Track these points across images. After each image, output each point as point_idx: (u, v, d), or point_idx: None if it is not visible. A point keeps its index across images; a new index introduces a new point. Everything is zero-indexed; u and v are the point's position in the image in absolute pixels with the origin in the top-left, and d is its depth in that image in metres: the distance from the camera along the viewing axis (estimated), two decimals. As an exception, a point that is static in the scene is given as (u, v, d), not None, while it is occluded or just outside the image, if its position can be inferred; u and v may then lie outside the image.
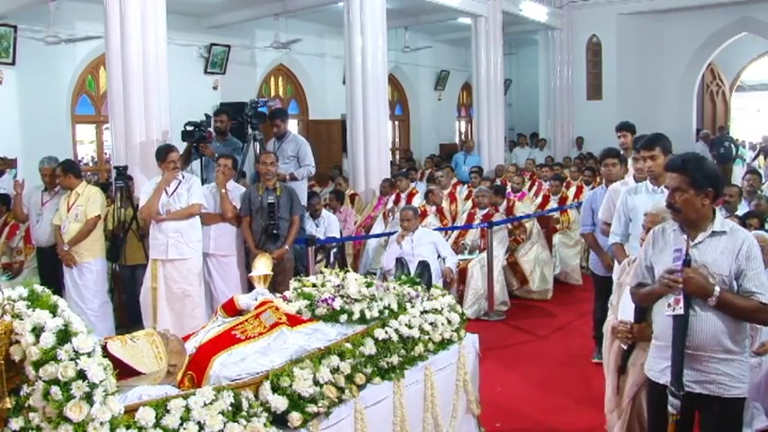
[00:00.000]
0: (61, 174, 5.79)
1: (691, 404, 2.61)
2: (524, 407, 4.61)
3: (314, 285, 3.53)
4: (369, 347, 3.05)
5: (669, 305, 2.58)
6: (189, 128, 6.37)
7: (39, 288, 2.25)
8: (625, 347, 3.07)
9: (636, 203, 4.08)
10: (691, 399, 2.59)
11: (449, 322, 3.59)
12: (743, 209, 5.78)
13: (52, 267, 5.92)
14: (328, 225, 7.06)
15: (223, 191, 5.78)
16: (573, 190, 9.15)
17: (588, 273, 8.01)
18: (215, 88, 11.69)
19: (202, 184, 6.08)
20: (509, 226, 7.34)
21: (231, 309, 3.25)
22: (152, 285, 5.40)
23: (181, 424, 2.28)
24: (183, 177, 5.52)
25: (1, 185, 8.06)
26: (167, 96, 6.32)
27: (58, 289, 5.36)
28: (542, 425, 4.38)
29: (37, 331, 2.10)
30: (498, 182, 9.91)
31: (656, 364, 2.73)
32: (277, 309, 3.11)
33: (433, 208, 7.83)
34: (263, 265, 3.68)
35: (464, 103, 18.21)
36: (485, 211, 7.30)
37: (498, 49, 12.36)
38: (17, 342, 2.11)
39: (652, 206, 3.27)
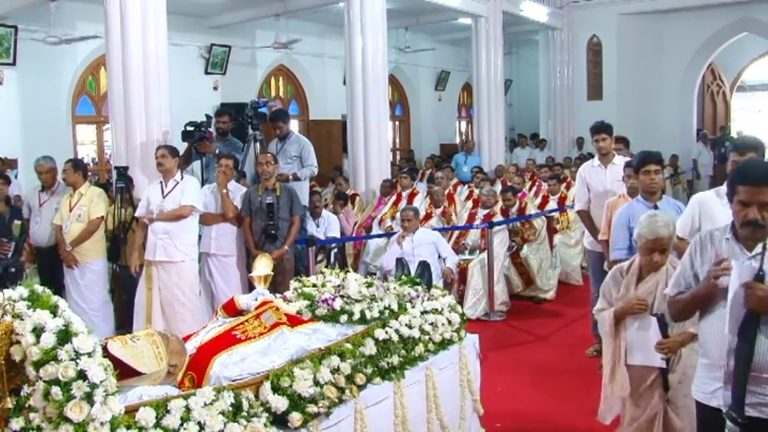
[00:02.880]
0: (71, 169, 5.74)
1: (747, 428, 2.35)
2: (525, 407, 4.62)
3: (314, 286, 3.53)
4: (369, 348, 3.05)
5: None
6: (189, 128, 6.36)
7: (39, 288, 2.25)
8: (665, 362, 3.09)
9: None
10: (748, 422, 2.36)
11: (449, 322, 3.59)
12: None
13: (52, 267, 5.92)
14: (329, 225, 7.06)
15: (224, 191, 5.78)
16: (573, 191, 9.14)
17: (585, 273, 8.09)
18: (215, 89, 11.69)
19: (203, 184, 6.08)
20: (517, 225, 7.29)
21: (231, 309, 3.25)
22: (147, 286, 5.40)
23: (181, 424, 2.28)
24: (182, 179, 5.51)
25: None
26: (168, 97, 6.31)
27: (58, 289, 5.38)
28: (543, 425, 4.39)
29: (37, 331, 2.10)
30: (499, 182, 9.91)
31: (704, 385, 2.52)
32: (277, 309, 3.11)
33: (438, 210, 7.80)
34: (263, 266, 3.69)
35: (464, 103, 18.20)
36: (486, 212, 7.29)
37: (498, 50, 12.33)
38: (18, 342, 2.12)
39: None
